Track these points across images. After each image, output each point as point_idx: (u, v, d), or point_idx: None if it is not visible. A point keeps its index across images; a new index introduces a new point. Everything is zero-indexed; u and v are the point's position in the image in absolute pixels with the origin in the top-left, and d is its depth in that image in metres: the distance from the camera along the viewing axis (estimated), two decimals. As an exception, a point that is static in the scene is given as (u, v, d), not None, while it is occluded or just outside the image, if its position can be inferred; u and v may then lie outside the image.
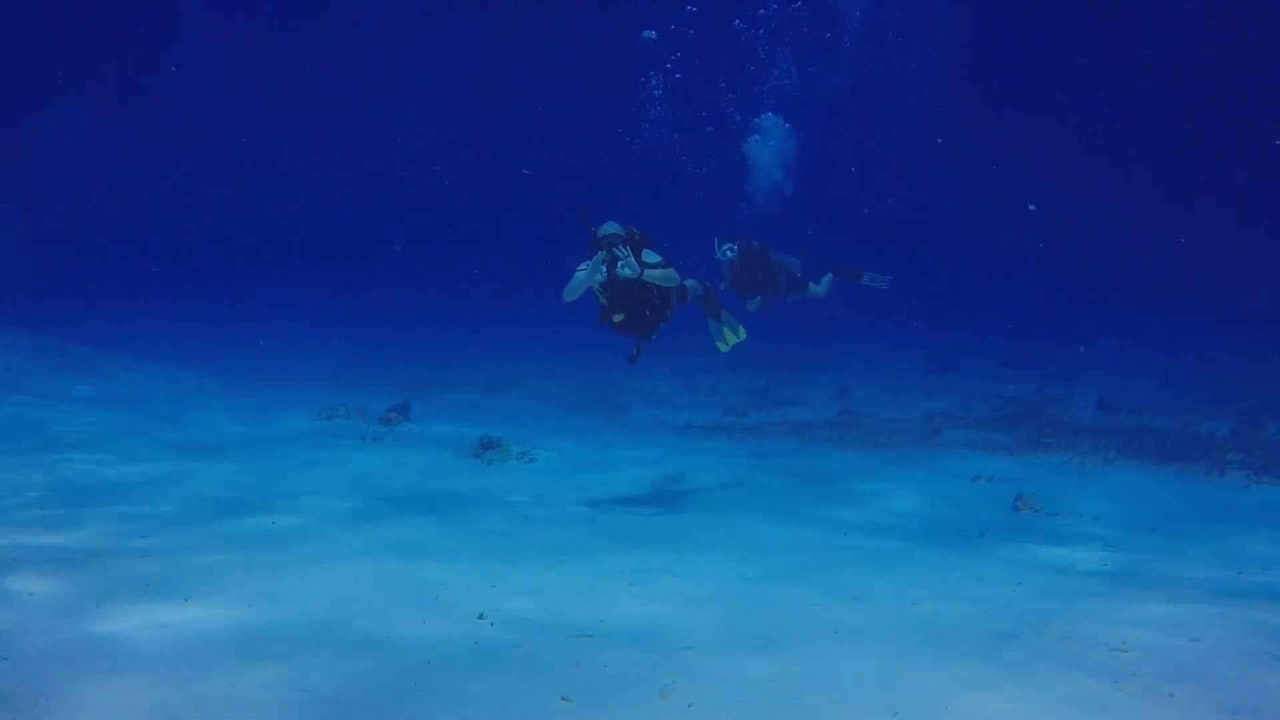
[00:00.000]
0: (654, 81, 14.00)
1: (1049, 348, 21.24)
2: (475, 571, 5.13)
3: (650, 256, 7.17)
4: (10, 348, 15.43)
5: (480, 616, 4.30)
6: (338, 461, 8.78)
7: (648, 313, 7.41)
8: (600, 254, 6.90)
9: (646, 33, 14.82)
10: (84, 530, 5.68)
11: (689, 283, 8.13)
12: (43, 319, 19.80)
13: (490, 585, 4.87)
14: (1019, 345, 21.41)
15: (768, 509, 7.53)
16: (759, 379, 18.14)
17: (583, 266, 7.07)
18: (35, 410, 10.98)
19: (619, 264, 6.84)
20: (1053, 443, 11.26)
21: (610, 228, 7.07)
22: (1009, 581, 5.27)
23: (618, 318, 7.31)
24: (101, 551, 5.19)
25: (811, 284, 10.77)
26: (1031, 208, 28.83)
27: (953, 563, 5.77)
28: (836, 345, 22.82)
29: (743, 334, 8.98)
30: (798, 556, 5.86)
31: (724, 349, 8.99)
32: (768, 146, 13.62)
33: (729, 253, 10.06)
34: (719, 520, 7.04)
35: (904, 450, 11.12)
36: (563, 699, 3.40)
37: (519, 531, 6.30)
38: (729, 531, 6.63)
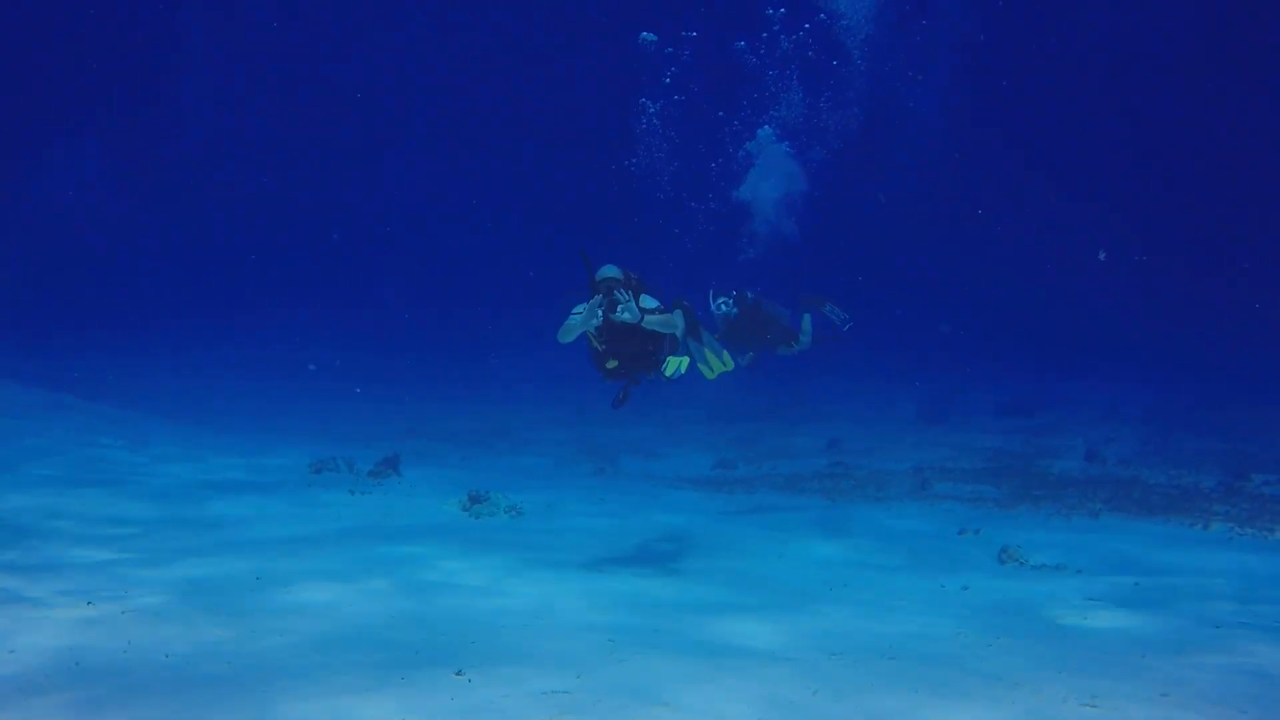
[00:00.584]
0: (653, 107, 13.55)
1: (1041, 397, 21.36)
2: (451, 633, 5.16)
3: (648, 302, 6.96)
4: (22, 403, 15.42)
5: (458, 673, 4.34)
6: (324, 517, 8.79)
7: (641, 359, 7.19)
8: (598, 297, 6.67)
9: (645, 35, 14.38)
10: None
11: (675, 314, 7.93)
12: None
13: (469, 643, 4.91)
14: (1011, 395, 21.52)
15: (747, 570, 7.55)
16: (749, 429, 18.21)
17: (579, 309, 6.87)
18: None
19: (619, 308, 6.62)
20: (1040, 495, 11.32)
21: (609, 271, 6.87)
22: (987, 633, 5.31)
23: (611, 364, 7.12)
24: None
25: (801, 335, 10.49)
26: (1102, 256, 28.58)
27: (932, 617, 5.79)
28: (828, 394, 22.90)
29: (730, 362, 8.57)
30: (777, 615, 5.89)
31: (709, 375, 8.53)
32: (766, 175, 13.15)
33: (724, 307, 9.72)
34: (698, 584, 7.07)
35: (893, 503, 11.15)
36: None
37: (499, 591, 6.32)
38: (698, 600, 6.66)
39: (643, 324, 6.76)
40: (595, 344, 7.09)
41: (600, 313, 6.66)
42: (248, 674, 4.28)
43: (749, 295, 9.95)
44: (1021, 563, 7.99)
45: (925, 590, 6.70)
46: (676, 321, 7.06)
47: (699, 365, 8.40)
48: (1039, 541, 8.79)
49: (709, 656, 4.78)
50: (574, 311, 6.87)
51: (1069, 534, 9.21)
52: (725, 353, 8.51)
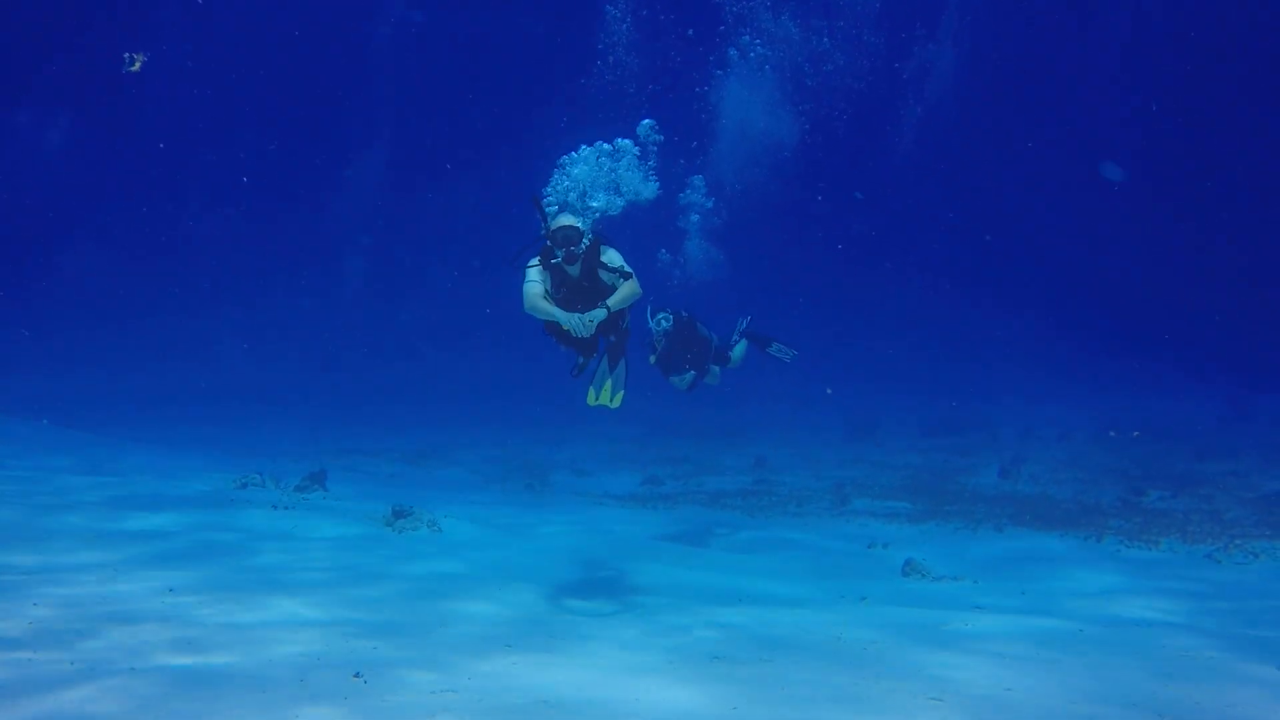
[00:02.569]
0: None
1: (966, 416, 21.97)
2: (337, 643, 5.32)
3: (611, 257, 6.52)
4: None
5: (356, 675, 4.52)
6: (232, 528, 8.80)
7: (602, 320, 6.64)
8: (558, 252, 6.26)
9: None
10: None
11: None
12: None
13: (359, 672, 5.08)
14: (937, 414, 22.11)
15: (655, 588, 7.75)
16: (681, 448, 18.49)
17: (534, 262, 6.46)
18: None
19: (584, 320, 6.29)
20: (951, 510, 11.76)
21: (566, 219, 6.40)
22: (867, 638, 5.61)
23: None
24: None
25: (732, 358, 10.17)
26: None
27: (817, 627, 6.06)
28: (759, 413, 23.31)
29: (618, 401, 7.64)
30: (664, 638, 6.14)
31: (594, 400, 7.56)
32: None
33: (664, 323, 9.35)
34: (600, 608, 7.29)
35: (810, 519, 11.50)
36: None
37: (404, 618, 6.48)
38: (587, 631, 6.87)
39: (610, 309, 6.42)
40: (548, 298, 6.61)
41: (576, 322, 6.28)
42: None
43: (684, 314, 9.72)
44: (924, 575, 8.34)
45: (822, 601, 7.00)
46: (638, 288, 6.64)
47: (603, 388, 7.56)
48: (943, 554, 9.19)
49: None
50: (529, 266, 6.49)
51: (972, 547, 9.63)
52: (620, 394, 7.61)
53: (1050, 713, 4.34)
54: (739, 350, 10.26)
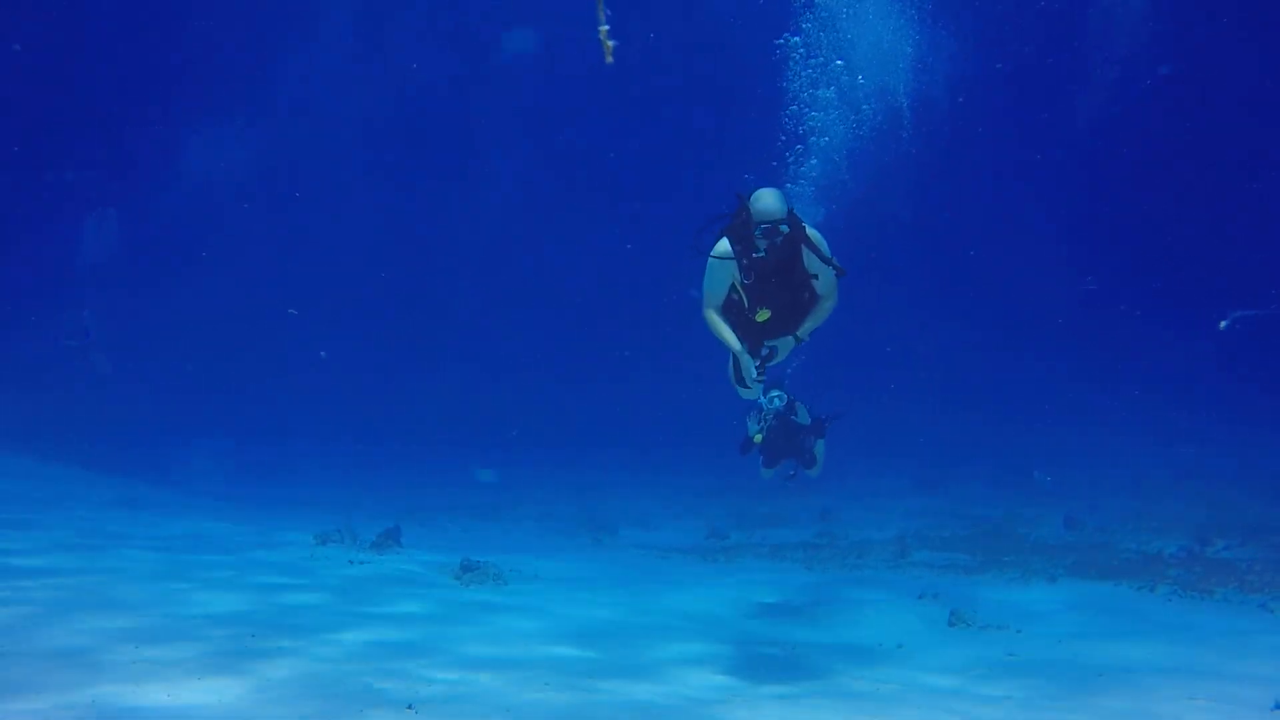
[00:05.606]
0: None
1: (1036, 463, 21.70)
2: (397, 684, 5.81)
3: (820, 242, 5.65)
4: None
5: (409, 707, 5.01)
6: (318, 586, 9.43)
7: (797, 310, 5.88)
8: (759, 234, 5.38)
9: None
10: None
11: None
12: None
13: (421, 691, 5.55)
14: (1006, 461, 21.91)
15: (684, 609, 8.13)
16: (748, 500, 18.73)
17: (720, 254, 5.66)
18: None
19: (761, 360, 5.71)
20: (1009, 560, 11.84)
21: (770, 204, 5.43)
22: (882, 696, 5.91)
23: (762, 316, 5.78)
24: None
25: (817, 458, 9.67)
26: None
27: (856, 669, 6.38)
28: (830, 464, 23.31)
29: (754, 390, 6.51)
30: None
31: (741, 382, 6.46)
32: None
33: (776, 401, 8.65)
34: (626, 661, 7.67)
35: (868, 571, 11.70)
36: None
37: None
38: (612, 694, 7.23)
39: (800, 339, 5.88)
40: (736, 291, 5.82)
41: (763, 246, 5.42)
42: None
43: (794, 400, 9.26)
44: (969, 624, 8.55)
45: (858, 652, 7.29)
46: (835, 300, 5.89)
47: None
48: (993, 604, 9.33)
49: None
50: (715, 251, 5.67)
51: (1023, 597, 9.75)
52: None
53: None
54: (820, 450, 9.78)
